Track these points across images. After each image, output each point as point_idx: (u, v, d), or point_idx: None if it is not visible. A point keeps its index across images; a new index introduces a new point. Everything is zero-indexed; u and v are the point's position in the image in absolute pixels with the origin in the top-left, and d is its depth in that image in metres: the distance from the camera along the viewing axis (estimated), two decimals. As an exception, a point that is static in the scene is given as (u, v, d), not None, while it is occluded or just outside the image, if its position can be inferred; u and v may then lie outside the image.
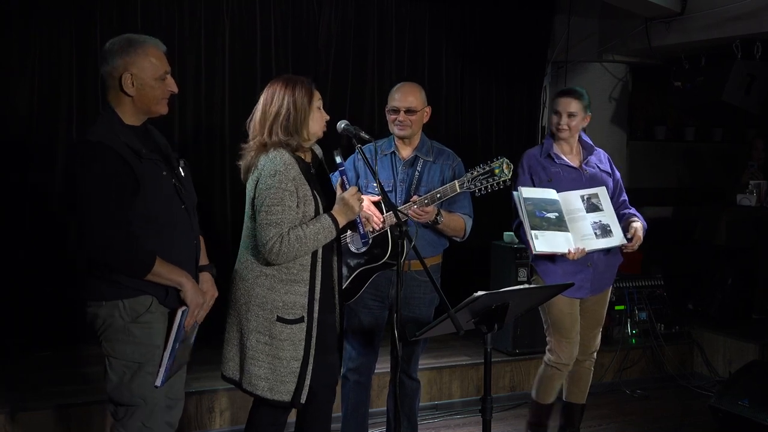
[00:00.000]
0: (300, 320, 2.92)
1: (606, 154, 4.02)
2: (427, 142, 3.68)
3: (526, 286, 3.26)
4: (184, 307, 2.69)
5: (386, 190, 3.56)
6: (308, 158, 3.05)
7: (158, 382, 2.68)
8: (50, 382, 4.24)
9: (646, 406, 5.05)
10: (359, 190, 3.58)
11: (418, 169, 3.59)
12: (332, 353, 3.13)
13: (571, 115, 3.75)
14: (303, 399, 2.95)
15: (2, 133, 4.68)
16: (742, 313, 5.98)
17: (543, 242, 3.56)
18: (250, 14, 5.24)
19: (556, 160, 3.81)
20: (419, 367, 3.78)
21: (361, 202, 2.99)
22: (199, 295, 2.74)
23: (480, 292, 2.69)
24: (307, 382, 2.94)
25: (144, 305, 2.64)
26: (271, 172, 2.84)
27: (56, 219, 4.75)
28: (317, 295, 2.95)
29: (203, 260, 2.91)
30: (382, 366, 3.84)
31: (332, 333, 3.12)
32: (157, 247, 2.63)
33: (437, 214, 3.43)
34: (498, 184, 3.39)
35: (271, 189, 2.82)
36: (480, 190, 3.41)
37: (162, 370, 2.68)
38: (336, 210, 2.93)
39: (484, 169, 3.39)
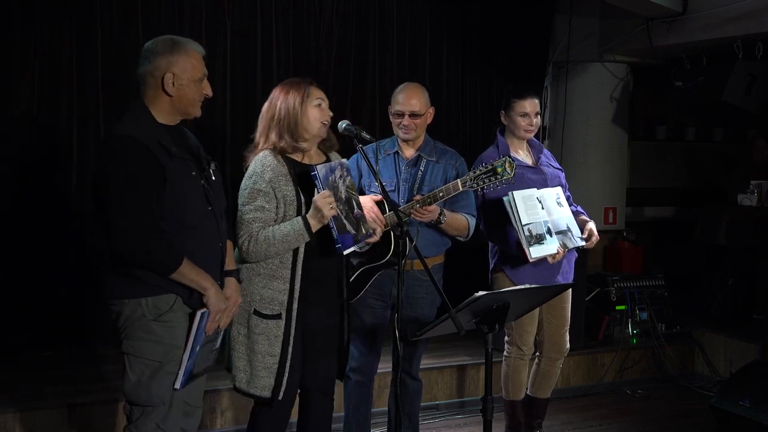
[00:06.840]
0: (277, 317, 2.93)
1: (550, 152, 4.11)
2: (431, 142, 3.68)
3: (527, 286, 3.25)
4: (203, 309, 2.65)
5: (389, 189, 3.55)
6: (311, 160, 3.05)
7: (178, 385, 2.66)
8: (53, 381, 4.23)
9: (647, 406, 5.04)
10: (362, 190, 3.59)
11: (421, 168, 3.59)
12: (327, 356, 3.14)
13: (537, 114, 3.85)
14: (281, 396, 2.96)
15: (2, 133, 4.67)
16: (743, 313, 5.97)
17: (536, 248, 3.60)
18: (251, 14, 5.23)
19: (515, 161, 3.83)
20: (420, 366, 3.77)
21: (331, 206, 2.89)
22: (222, 300, 2.71)
23: (481, 292, 2.70)
24: (285, 379, 2.95)
25: (167, 303, 2.62)
26: (249, 174, 2.96)
27: (57, 219, 4.74)
28: (297, 294, 2.95)
29: (230, 265, 2.87)
30: (384, 366, 3.84)
31: (328, 336, 3.12)
32: (183, 248, 2.60)
33: (440, 214, 3.42)
34: (501, 183, 3.38)
35: (245, 190, 2.95)
36: (482, 188, 3.41)
37: (181, 372, 2.65)
38: (309, 214, 2.91)
39: (486, 168, 3.38)
